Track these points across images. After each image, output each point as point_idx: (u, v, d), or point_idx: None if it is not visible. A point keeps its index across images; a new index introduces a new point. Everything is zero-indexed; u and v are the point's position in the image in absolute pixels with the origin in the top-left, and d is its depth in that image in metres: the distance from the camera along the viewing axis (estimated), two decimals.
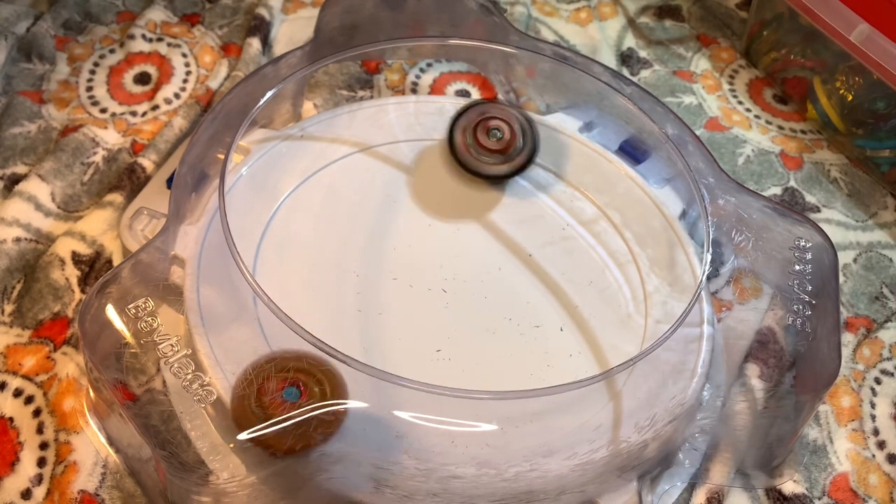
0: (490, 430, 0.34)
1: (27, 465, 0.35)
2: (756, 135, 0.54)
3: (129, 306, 0.33)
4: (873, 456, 0.39)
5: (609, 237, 0.42)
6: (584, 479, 0.33)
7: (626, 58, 0.59)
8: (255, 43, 0.54)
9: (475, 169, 0.42)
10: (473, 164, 0.42)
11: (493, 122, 0.41)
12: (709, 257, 0.38)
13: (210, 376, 0.33)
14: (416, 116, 0.46)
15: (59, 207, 0.44)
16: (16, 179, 0.45)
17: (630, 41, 0.60)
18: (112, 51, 0.54)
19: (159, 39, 0.55)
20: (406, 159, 0.44)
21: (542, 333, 0.38)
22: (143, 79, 0.52)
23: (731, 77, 0.58)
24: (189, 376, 0.32)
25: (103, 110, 0.50)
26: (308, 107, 0.51)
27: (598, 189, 0.44)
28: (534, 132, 0.42)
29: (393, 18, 0.50)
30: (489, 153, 0.41)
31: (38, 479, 0.35)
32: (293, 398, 0.31)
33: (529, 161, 0.42)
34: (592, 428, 0.34)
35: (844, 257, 0.48)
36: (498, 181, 0.43)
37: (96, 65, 0.53)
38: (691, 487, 0.37)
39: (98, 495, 0.34)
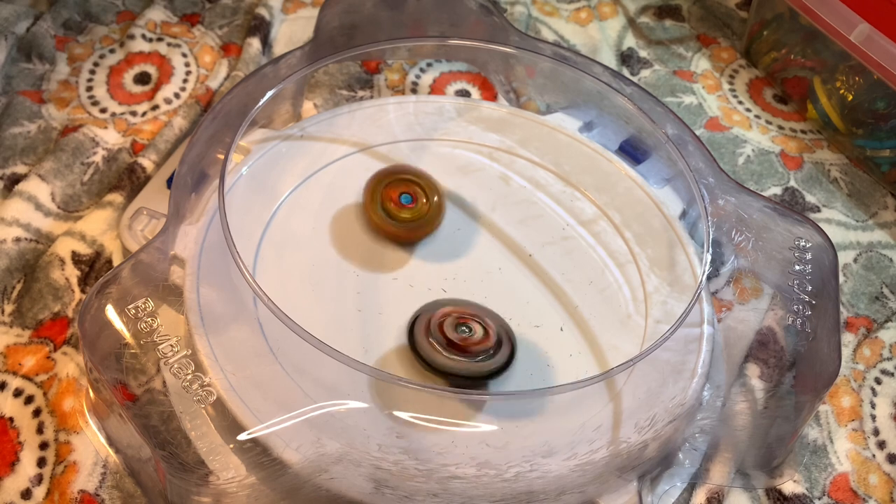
0: (490, 430, 0.34)
1: (27, 465, 0.35)
2: (756, 135, 0.54)
3: (129, 306, 0.33)
4: (873, 456, 0.39)
5: (609, 237, 0.42)
6: (584, 479, 0.33)
7: (626, 58, 0.59)
8: (255, 43, 0.54)
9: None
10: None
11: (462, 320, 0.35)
12: (709, 257, 0.38)
13: (210, 376, 0.33)
14: (416, 116, 0.46)
15: (59, 207, 0.44)
16: (16, 179, 0.45)
17: (630, 41, 0.60)
18: (112, 51, 0.54)
19: (159, 39, 0.55)
20: (406, 159, 0.44)
21: (542, 333, 0.38)
22: (143, 79, 0.52)
23: (731, 77, 0.58)
24: (189, 376, 0.32)
25: (103, 110, 0.50)
26: (308, 107, 0.51)
27: (598, 189, 0.44)
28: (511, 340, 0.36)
29: (393, 18, 0.50)
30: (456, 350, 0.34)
31: (38, 479, 0.35)
32: (408, 202, 0.39)
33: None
34: (592, 428, 0.34)
35: (844, 257, 0.48)
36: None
37: (96, 65, 0.53)
38: (691, 487, 0.37)
39: (98, 495, 0.34)
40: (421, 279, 0.39)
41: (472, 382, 0.34)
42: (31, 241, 0.43)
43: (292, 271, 0.38)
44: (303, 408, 0.32)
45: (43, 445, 0.36)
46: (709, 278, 0.42)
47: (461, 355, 0.34)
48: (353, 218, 0.41)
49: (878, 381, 0.42)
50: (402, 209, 0.39)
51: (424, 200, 0.39)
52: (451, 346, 0.34)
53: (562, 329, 0.38)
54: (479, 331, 0.34)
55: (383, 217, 0.39)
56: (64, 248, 0.42)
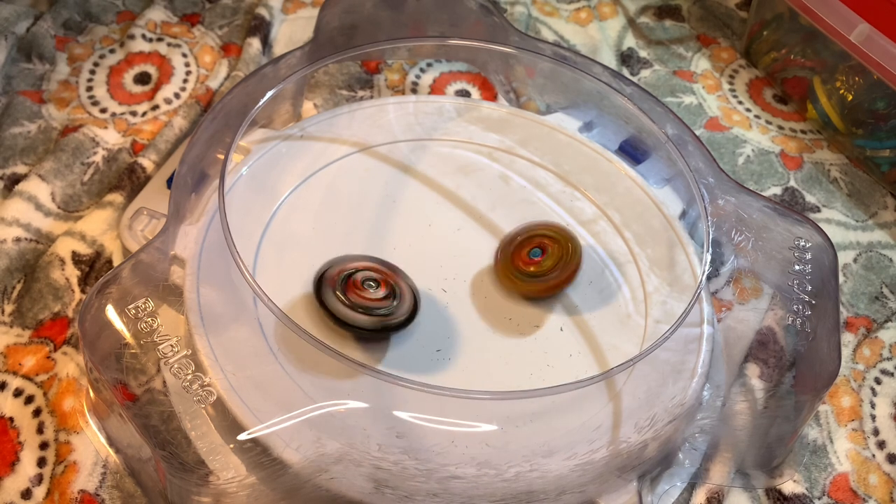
0: (490, 430, 0.34)
1: (27, 465, 0.35)
2: (756, 135, 0.54)
3: (129, 306, 0.33)
4: (873, 456, 0.39)
5: (609, 237, 0.42)
6: (584, 479, 0.33)
7: (626, 58, 0.59)
8: (255, 43, 0.54)
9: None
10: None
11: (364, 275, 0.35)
12: (709, 257, 0.38)
13: (210, 376, 0.33)
14: (416, 116, 0.46)
15: (59, 207, 0.44)
16: (16, 179, 0.45)
17: (630, 41, 0.60)
18: (112, 51, 0.54)
19: (159, 39, 0.55)
20: (406, 159, 0.44)
21: (542, 333, 0.38)
22: (143, 79, 0.52)
23: (731, 77, 0.58)
24: (189, 377, 0.32)
25: (103, 110, 0.50)
26: (308, 107, 0.51)
27: (598, 189, 0.44)
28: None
29: (393, 18, 0.50)
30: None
31: (38, 479, 0.35)
32: (538, 255, 0.38)
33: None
34: (592, 428, 0.34)
35: (844, 257, 0.48)
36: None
37: (96, 65, 0.53)
38: (691, 487, 0.37)
39: (98, 495, 0.34)
40: (420, 279, 0.39)
41: (373, 335, 0.36)
42: (32, 241, 0.43)
43: (292, 271, 0.38)
44: (303, 408, 0.32)
45: (43, 445, 0.36)
46: (709, 278, 0.42)
47: (363, 309, 0.34)
48: (353, 218, 0.41)
49: (877, 381, 0.42)
50: (531, 265, 0.38)
51: (555, 250, 0.38)
52: (351, 298, 0.35)
53: (562, 329, 0.38)
54: (381, 287, 0.35)
55: (516, 278, 0.38)
56: (64, 248, 0.42)
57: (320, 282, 0.35)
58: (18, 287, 0.41)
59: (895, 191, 0.52)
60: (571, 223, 0.42)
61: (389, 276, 0.36)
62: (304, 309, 0.36)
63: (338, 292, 0.35)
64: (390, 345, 0.36)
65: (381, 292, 0.35)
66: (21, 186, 0.44)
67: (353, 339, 0.36)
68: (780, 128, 0.55)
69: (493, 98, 0.53)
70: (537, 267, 0.38)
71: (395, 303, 0.35)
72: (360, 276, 0.35)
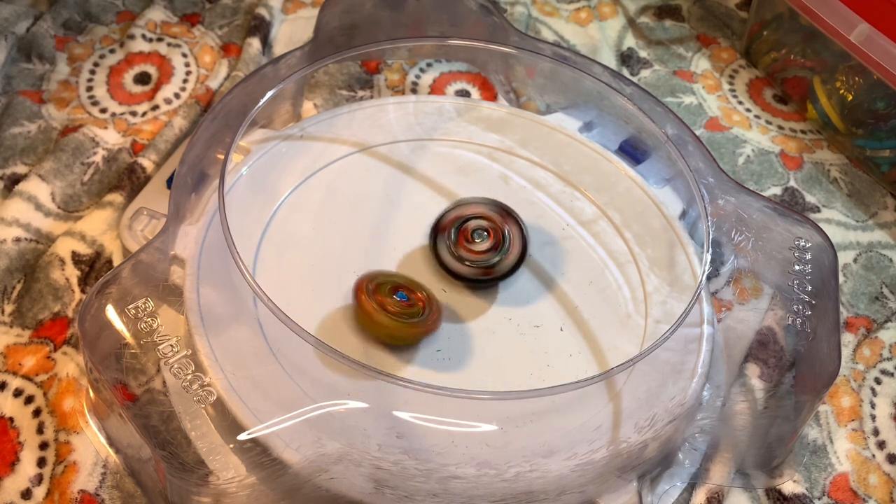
0: (490, 430, 0.34)
1: (27, 465, 0.35)
2: (756, 135, 0.54)
3: (129, 307, 0.33)
4: (873, 456, 0.39)
5: (609, 237, 0.42)
6: (584, 479, 0.33)
7: (626, 58, 0.59)
8: (255, 43, 0.54)
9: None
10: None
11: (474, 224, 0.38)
12: (709, 257, 0.38)
13: (210, 376, 0.33)
14: (416, 116, 0.46)
15: (59, 207, 0.44)
16: (16, 179, 0.45)
17: (630, 41, 0.60)
18: (112, 51, 0.54)
19: (159, 39, 0.55)
20: (406, 159, 0.44)
21: (542, 333, 0.38)
22: (143, 79, 0.52)
23: (731, 77, 0.58)
24: (189, 377, 0.32)
25: (103, 110, 0.50)
26: (308, 107, 0.51)
27: (598, 189, 0.44)
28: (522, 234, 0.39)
29: (393, 18, 0.50)
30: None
31: (38, 479, 0.35)
32: (404, 298, 0.36)
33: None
34: (592, 428, 0.34)
35: (844, 257, 0.48)
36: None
37: (96, 65, 0.53)
38: (691, 487, 0.37)
39: (98, 495, 0.35)
40: (420, 279, 0.39)
41: (483, 284, 0.38)
42: (32, 241, 0.43)
43: (292, 271, 0.38)
44: (303, 408, 0.32)
45: (43, 445, 0.36)
46: (709, 278, 0.42)
47: (469, 262, 0.37)
48: (353, 218, 0.41)
49: (877, 382, 0.42)
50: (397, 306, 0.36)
51: (419, 300, 0.36)
52: (462, 250, 0.37)
53: (562, 329, 0.38)
54: (490, 237, 0.38)
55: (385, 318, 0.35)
56: (64, 248, 0.42)
57: (437, 228, 0.38)
58: (18, 287, 0.41)
59: (895, 191, 0.52)
60: (571, 223, 0.42)
61: (500, 225, 0.38)
62: (305, 309, 0.36)
63: (448, 243, 0.38)
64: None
65: (487, 243, 0.37)
66: (21, 186, 0.44)
67: (463, 287, 0.38)
68: (780, 128, 0.55)
69: (493, 98, 0.53)
70: (403, 307, 0.35)
71: (498, 255, 0.37)
72: (471, 224, 0.38)
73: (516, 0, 0.61)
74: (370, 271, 0.37)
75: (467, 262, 0.38)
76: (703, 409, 0.37)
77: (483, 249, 0.38)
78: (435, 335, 0.37)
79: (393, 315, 0.35)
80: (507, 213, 0.39)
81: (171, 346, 0.33)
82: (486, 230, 0.38)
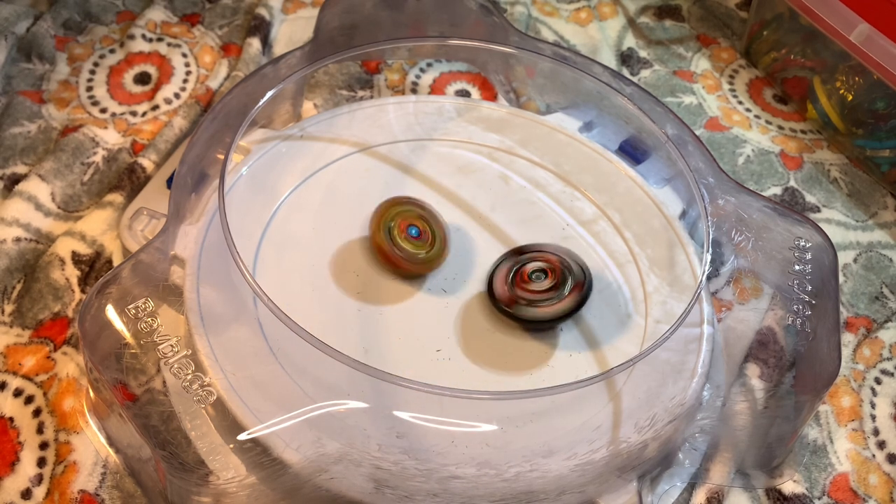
0: (490, 430, 0.34)
1: (27, 465, 0.35)
2: (756, 135, 0.54)
3: (129, 306, 0.33)
4: (873, 456, 0.39)
5: (609, 237, 0.42)
6: (584, 479, 0.33)
7: (626, 58, 0.59)
8: (255, 43, 0.54)
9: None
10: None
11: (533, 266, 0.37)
12: (709, 257, 0.38)
13: (210, 376, 0.33)
14: (416, 116, 0.46)
15: (59, 207, 0.44)
16: (16, 179, 0.45)
17: (630, 41, 0.60)
18: (112, 51, 0.54)
19: (159, 39, 0.55)
20: (406, 159, 0.44)
21: (542, 333, 0.38)
22: (143, 79, 0.52)
23: (731, 77, 0.58)
24: (189, 377, 0.32)
25: (103, 110, 0.50)
26: (308, 107, 0.51)
27: (598, 189, 0.44)
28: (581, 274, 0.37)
29: (393, 18, 0.50)
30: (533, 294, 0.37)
31: (38, 479, 0.35)
32: (416, 234, 0.38)
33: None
34: (592, 428, 0.34)
35: (844, 257, 0.48)
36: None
37: (96, 65, 0.53)
38: (691, 487, 0.37)
39: (98, 495, 0.35)
40: (420, 279, 0.39)
41: (543, 325, 0.37)
42: (31, 241, 0.43)
43: (292, 271, 0.38)
44: (303, 408, 0.32)
45: (43, 445, 0.36)
46: (709, 278, 0.42)
47: (528, 302, 0.36)
48: (353, 218, 0.41)
49: (878, 381, 0.42)
50: (409, 241, 0.38)
51: (431, 237, 0.38)
52: (518, 293, 0.37)
53: (562, 329, 0.38)
54: (548, 277, 0.37)
55: (389, 245, 0.38)
56: (64, 248, 0.42)
57: (493, 275, 0.38)
58: (18, 287, 0.41)
59: (895, 191, 0.52)
60: (571, 223, 0.42)
61: (557, 266, 0.37)
62: (305, 309, 0.36)
63: (506, 286, 0.37)
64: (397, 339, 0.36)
65: (546, 283, 0.37)
66: (21, 186, 0.44)
67: (523, 330, 0.38)
68: (780, 128, 0.55)
69: (493, 98, 0.53)
70: (414, 246, 0.38)
71: (557, 294, 0.36)
72: (529, 266, 0.37)
73: (516, 0, 0.61)
74: (389, 200, 0.38)
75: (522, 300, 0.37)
76: (703, 409, 0.37)
77: (542, 289, 0.37)
78: (435, 335, 0.37)
79: (403, 254, 0.37)
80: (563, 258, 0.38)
81: (171, 346, 0.33)
82: (545, 271, 0.37)
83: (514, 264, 0.38)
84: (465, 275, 0.39)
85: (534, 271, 0.37)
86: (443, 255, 0.39)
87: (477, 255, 0.40)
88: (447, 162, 0.44)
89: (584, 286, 0.37)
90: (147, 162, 0.46)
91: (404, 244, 0.37)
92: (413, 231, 0.38)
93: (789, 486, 0.38)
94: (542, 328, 0.37)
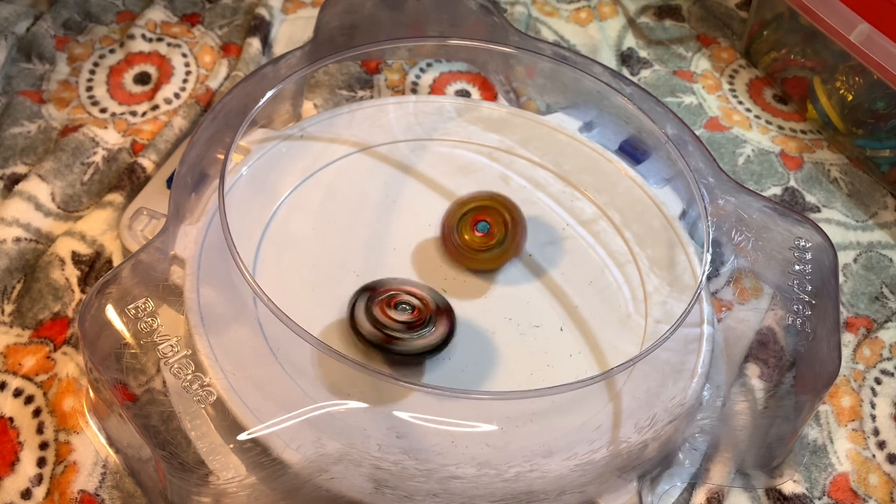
0: (490, 430, 0.34)
1: (27, 465, 0.35)
2: (756, 135, 0.54)
3: (129, 306, 0.33)
4: (873, 456, 0.39)
5: (609, 237, 0.42)
6: (584, 479, 0.33)
7: (626, 58, 0.59)
8: (255, 43, 0.54)
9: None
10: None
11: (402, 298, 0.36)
12: (709, 257, 0.38)
13: (210, 377, 0.33)
14: (416, 116, 0.46)
15: (59, 207, 0.44)
16: (16, 179, 0.45)
17: (630, 41, 0.60)
18: (112, 51, 0.54)
19: (159, 39, 0.55)
20: (406, 159, 0.44)
21: (542, 333, 0.38)
22: (143, 79, 0.52)
23: (731, 77, 0.58)
24: (189, 377, 0.32)
25: (103, 110, 0.50)
26: (308, 107, 0.51)
27: (598, 189, 0.44)
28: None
29: (393, 18, 0.50)
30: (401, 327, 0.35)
31: (38, 479, 0.35)
32: (485, 230, 0.38)
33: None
34: (592, 428, 0.34)
35: (844, 257, 0.48)
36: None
37: (96, 65, 0.53)
38: (691, 487, 0.37)
39: (98, 495, 0.34)
40: (420, 279, 0.39)
41: (407, 359, 0.35)
42: (31, 241, 0.43)
43: (292, 271, 0.38)
44: (303, 408, 0.32)
45: (43, 445, 0.36)
46: (709, 278, 0.42)
47: (397, 333, 0.34)
48: (353, 218, 0.41)
49: (878, 381, 0.42)
50: (480, 238, 0.38)
51: (501, 227, 0.38)
52: (384, 325, 0.34)
53: (562, 329, 0.38)
54: (415, 309, 0.35)
55: (469, 256, 0.38)
56: (64, 248, 0.42)
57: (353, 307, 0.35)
58: (18, 287, 0.41)
59: (895, 191, 0.52)
60: (571, 223, 0.42)
61: (420, 298, 0.36)
62: (305, 309, 0.36)
63: (368, 318, 0.34)
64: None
65: (409, 316, 0.35)
66: (21, 186, 0.44)
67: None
68: (780, 128, 0.55)
69: (493, 98, 0.53)
70: (486, 240, 0.38)
71: (423, 330, 0.34)
72: (387, 298, 0.35)
73: (516, 0, 0.61)
74: (452, 204, 0.39)
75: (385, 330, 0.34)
76: (703, 409, 0.37)
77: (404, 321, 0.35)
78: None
79: (476, 251, 0.38)
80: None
81: (171, 346, 0.33)
82: (412, 305, 0.35)
83: (369, 300, 0.35)
84: (465, 275, 0.39)
85: (398, 303, 0.35)
86: (505, 255, 0.39)
87: None
88: (447, 162, 0.44)
89: (451, 315, 0.36)
90: (147, 162, 0.46)
91: (466, 235, 0.38)
92: (481, 227, 0.38)
93: (789, 486, 0.38)
94: (411, 362, 0.35)
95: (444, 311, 0.36)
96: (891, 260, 0.48)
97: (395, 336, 0.34)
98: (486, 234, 0.38)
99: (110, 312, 0.33)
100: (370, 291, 0.36)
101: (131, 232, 0.41)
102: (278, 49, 0.56)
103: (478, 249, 0.38)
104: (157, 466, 0.31)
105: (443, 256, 0.40)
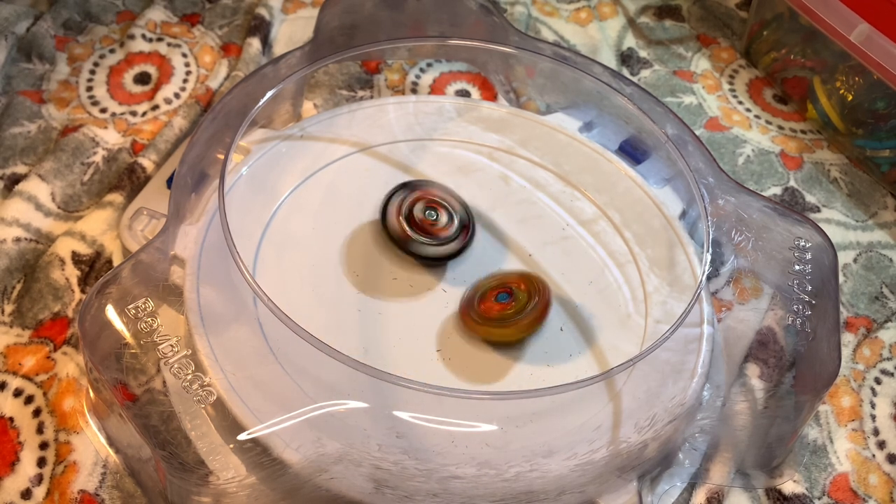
0: (490, 430, 0.34)
1: (27, 465, 0.35)
2: (756, 135, 0.54)
3: (129, 306, 0.33)
4: (873, 456, 0.39)
5: (609, 237, 0.42)
6: (584, 479, 0.33)
7: (626, 58, 0.59)
8: (255, 43, 0.54)
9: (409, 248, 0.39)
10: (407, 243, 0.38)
11: (430, 204, 0.39)
12: (709, 257, 0.38)
13: (210, 376, 0.33)
14: (416, 116, 0.46)
15: (59, 207, 0.44)
16: (16, 179, 0.45)
17: (630, 41, 0.60)
18: (112, 51, 0.54)
19: (159, 39, 0.55)
20: (406, 159, 0.44)
21: (542, 333, 0.38)
22: (143, 79, 0.52)
23: (731, 77, 0.58)
24: (189, 377, 0.32)
25: (103, 110, 0.50)
26: (308, 107, 0.51)
27: (598, 189, 0.44)
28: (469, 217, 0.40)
29: (393, 18, 0.50)
30: (425, 234, 0.38)
31: (38, 479, 0.35)
32: (504, 300, 0.37)
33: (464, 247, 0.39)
34: (592, 428, 0.34)
35: (844, 257, 0.48)
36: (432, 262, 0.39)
37: (96, 65, 0.53)
38: (691, 487, 0.37)
39: (98, 495, 0.34)
40: (421, 279, 0.39)
41: (433, 262, 0.39)
42: (31, 241, 0.43)
43: (292, 271, 0.38)
44: (303, 408, 0.32)
45: (43, 445, 0.36)
46: (709, 278, 0.42)
47: (425, 237, 0.38)
48: (353, 218, 0.41)
49: (877, 381, 0.42)
50: (500, 309, 0.36)
51: (521, 287, 0.37)
52: (416, 227, 0.38)
53: (562, 329, 0.38)
54: (443, 217, 0.39)
55: (488, 325, 0.36)
56: (64, 248, 0.42)
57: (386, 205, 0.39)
58: (18, 287, 0.41)
59: (895, 191, 0.52)
60: (571, 223, 0.42)
61: (449, 206, 0.39)
62: (305, 309, 0.36)
63: (401, 219, 0.38)
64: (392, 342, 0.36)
65: (442, 220, 0.39)
66: (21, 186, 0.44)
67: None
68: (780, 128, 0.55)
69: (493, 98, 0.53)
70: (505, 309, 0.36)
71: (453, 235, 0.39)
72: (421, 204, 0.39)
73: (516, 0, 0.61)
74: (468, 290, 0.38)
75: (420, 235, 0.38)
76: (703, 409, 0.37)
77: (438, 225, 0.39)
78: (435, 334, 0.37)
79: (502, 321, 0.36)
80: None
81: (171, 346, 0.33)
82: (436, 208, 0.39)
83: (404, 199, 0.39)
84: (465, 275, 0.39)
85: (427, 209, 0.39)
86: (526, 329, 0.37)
87: (477, 255, 0.40)
88: (447, 162, 0.44)
89: (471, 225, 0.39)
90: (147, 162, 0.46)
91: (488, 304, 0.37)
92: (501, 298, 0.37)
93: (789, 486, 0.38)
94: (435, 264, 0.39)
95: (466, 226, 0.39)
96: (891, 260, 0.48)
97: (417, 239, 0.38)
98: (508, 302, 0.36)
99: (110, 312, 0.33)
100: (407, 190, 0.39)
101: (131, 232, 0.41)
102: (278, 49, 0.56)
103: (495, 318, 0.36)
104: (157, 466, 0.31)
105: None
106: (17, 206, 0.43)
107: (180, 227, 0.38)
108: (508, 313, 0.36)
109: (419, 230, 0.38)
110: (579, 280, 0.40)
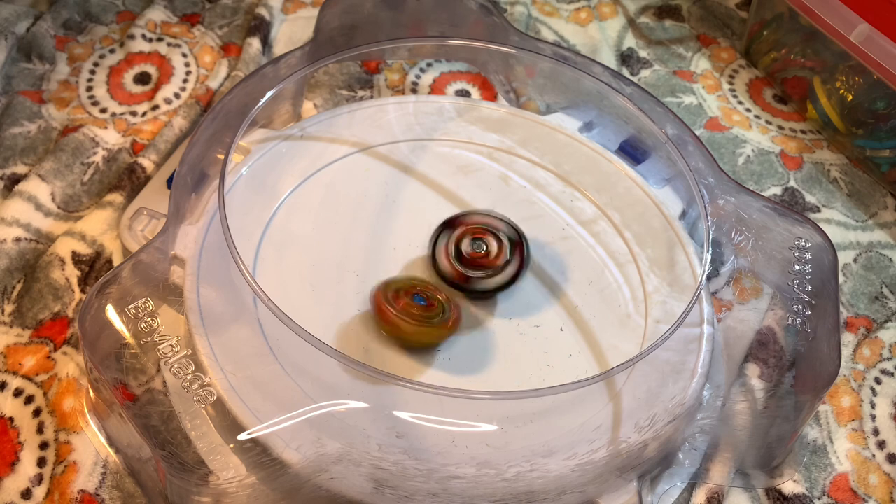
0: (490, 430, 0.34)
1: (27, 465, 0.35)
2: (756, 135, 0.54)
3: (129, 306, 0.33)
4: (873, 456, 0.39)
5: (609, 237, 0.42)
6: (584, 479, 0.33)
7: (626, 58, 0.59)
8: (255, 43, 0.54)
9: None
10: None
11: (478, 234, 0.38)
12: (709, 257, 0.38)
13: (210, 376, 0.33)
14: (416, 116, 0.46)
15: (59, 207, 0.44)
16: (16, 179, 0.45)
17: (630, 41, 0.60)
18: (112, 51, 0.54)
19: (159, 39, 0.55)
20: (406, 159, 0.44)
21: (542, 333, 0.38)
22: (143, 79, 0.52)
23: (731, 77, 0.58)
24: (189, 376, 0.32)
25: (103, 110, 0.50)
26: (308, 107, 0.51)
27: (598, 189, 0.44)
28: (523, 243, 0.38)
29: (393, 18, 0.50)
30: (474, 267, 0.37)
31: (38, 479, 0.35)
32: (421, 302, 0.36)
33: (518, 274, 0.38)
34: (592, 428, 0.34)
35: (844, 257, 0.48)
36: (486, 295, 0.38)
37: (96, 65, 0.53)
38: (691, 487, 0.37)
39: (98, 495, 0.35)
40: (419, 279, 0.39)
41: (482, 295, 0.38)
42: (32, 241, 0.43)
43: (292, 271, 0.38)
44: (303, 408, 0.32)
45: (43, 445, 0.36)
46: (709, 278, 0.42)
47: (474, 270, 0.37)
48: (353, 218, 0.41)
49: (877, 381, 0.42)
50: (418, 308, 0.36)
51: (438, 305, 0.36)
52: (464, 261, 0.37)
53: (562, 329, 0.38)
54: (493, 245, 0.37)
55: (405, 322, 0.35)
56: (64, 248, 0.42)
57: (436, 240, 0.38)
58: (18, 287, 0.41)
59: (895, 191, 0.52)
60: (571, 223, 0.42)
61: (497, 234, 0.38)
62: (305, 309, 0.36)
63: (449, 254, 0.37)
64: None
65: (493, 250, 0.37)
66: (21, 186, 0.44)
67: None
68: (780, 128, 0.55)
69: (493, 98, 0.53)
70: (428, 311, 0.35)
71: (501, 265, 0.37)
72: (469, 236, 0.38)
73: (516, 0, 0.61)
74: (384, 280, 0.36)
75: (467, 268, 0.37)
76: (703, 409, 0.37)
77: (484, 257, 0.37)
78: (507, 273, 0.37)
79: (416, 320, 0.35)
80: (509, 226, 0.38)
81: (171, 346, 0.33)
82: (485, 241, 0.37)
83: (449, 238, 0.38)
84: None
85: (474, 240, 0.37)
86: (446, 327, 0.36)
87: None
88: (447, 162, 0.44)
89: (524, 247, 0.38)
90: (147, 162, 0.46)
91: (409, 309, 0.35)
92: (417, 299, 0.36)
93: (789, 486, 0.38)
94: (488, 297, 0.38)
95: (518, 245, 0.38)
96: (891, 260, 0.48)
97: (470, 276, 0.37)
98: (425, 305, 0.36)
99: (110, 312, 0.33)
100: (450, 229, 0.38)
101: (131, 232, 0.41)
102: (278, 49, 0.56)
103: (422, 317, 0.35)
104: (157, 466, 0.31)
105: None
106: (17, 206, 0.43)
107: (180, 227, 0.38)
108: (431, 314, 0.36)
109: (471, 266, 0.37)
110: (579, 280, 0.40)
